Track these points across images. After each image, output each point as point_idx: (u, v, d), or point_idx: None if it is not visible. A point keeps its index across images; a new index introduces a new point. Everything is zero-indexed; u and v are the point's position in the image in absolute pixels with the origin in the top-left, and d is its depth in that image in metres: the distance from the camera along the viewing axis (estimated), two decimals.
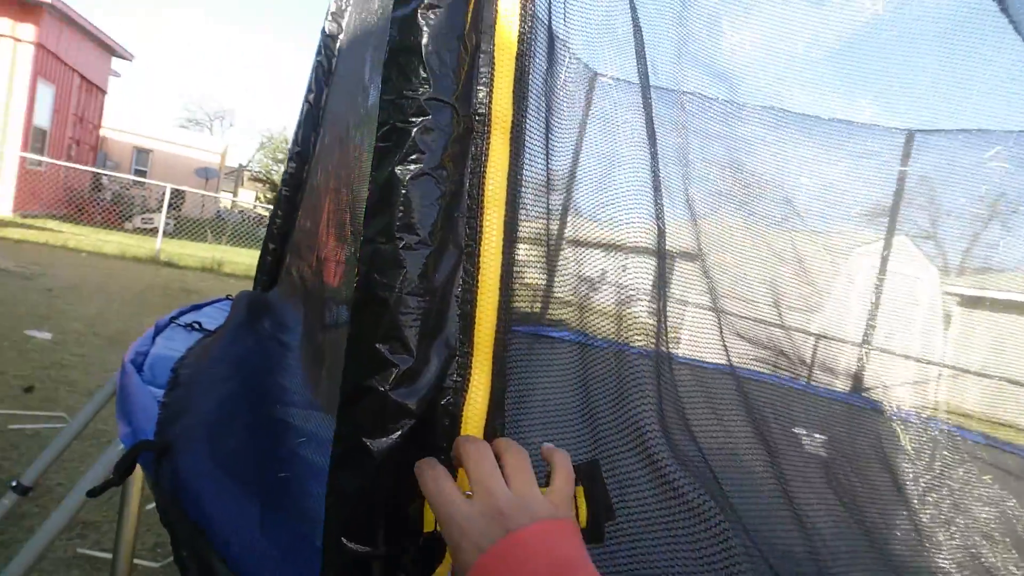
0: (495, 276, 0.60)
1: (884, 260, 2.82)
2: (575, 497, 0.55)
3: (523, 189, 1.22)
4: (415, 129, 0.55)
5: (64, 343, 4.51)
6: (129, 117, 20.68)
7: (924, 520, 1.47)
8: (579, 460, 0.58)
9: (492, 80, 0.60)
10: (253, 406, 1.17)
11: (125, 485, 1.10)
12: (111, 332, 5.01)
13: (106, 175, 14.39)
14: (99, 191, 14.52)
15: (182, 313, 1.89)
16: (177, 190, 12.65)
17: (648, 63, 0.87)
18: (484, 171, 0.60)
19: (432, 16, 0.55)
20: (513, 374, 0.74)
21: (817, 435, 1.94)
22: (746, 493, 1.14)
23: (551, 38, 0.75)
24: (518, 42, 0.61)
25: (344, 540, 0.55)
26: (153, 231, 12.26)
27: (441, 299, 0.57)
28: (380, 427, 0.54)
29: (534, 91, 0.81)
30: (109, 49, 15.41)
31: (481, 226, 0.60)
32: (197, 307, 2.05)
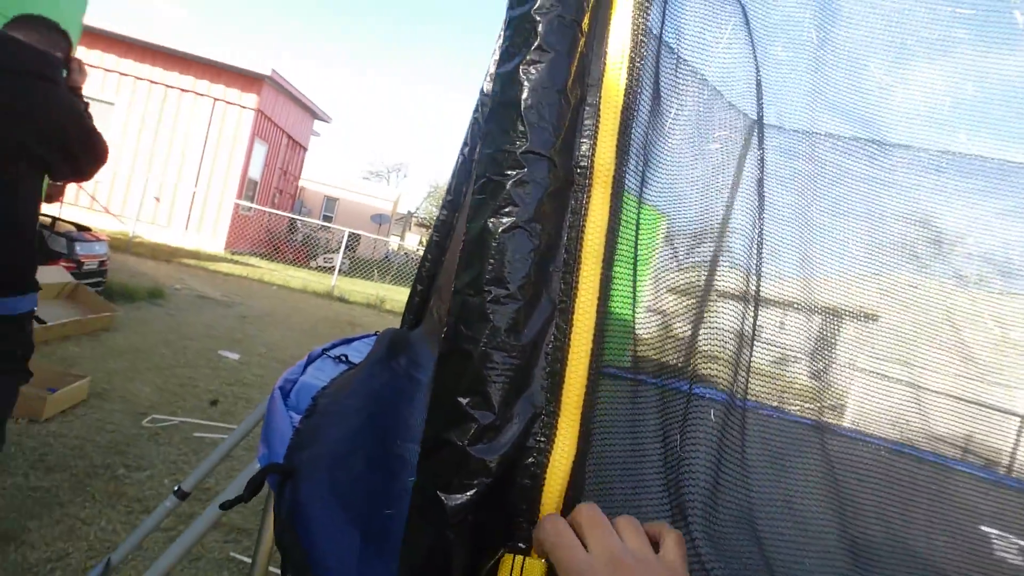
0: (588, 334, 0.57)
1: None
2: None
3: (674, 239, 1.19)
4: (510, 182, 0.55)
5: (248, 364, 5.13)
6: (323, 170, 23.67)
7: None
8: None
9: (596, 133, 0.59)
10: (377, 440, 1.22)
11: (268, 498, 1.20)
12: (286, 357, 5.62)
13: (300, 220, 16.47)
14: (293, 233, 16.65)
15: (334, 346, 2.06)
16: (354, 234, 14.09)
17: (780, 111, 0.80)
18: (583, 225, 0.58)
19: (533, 71, 0.55)
20: (604, 430, 0.70)
21: (1015, 539, 1.60)
22: None
23: (659, 86, 0.72)
24: (624, 94, 0.59)
25: None
26: (331, 269, 13.69)
27: (529, 355, 0.56)
28: (456, 482, 0.53)
29: (647, 138, 0.78)
30: (312, 112, 17.83)
31: (577, 282, 0.58)
32: (348, 341, 2.22)
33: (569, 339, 0.57)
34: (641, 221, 0.89)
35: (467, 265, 0.56)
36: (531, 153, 0.55)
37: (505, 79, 0.57)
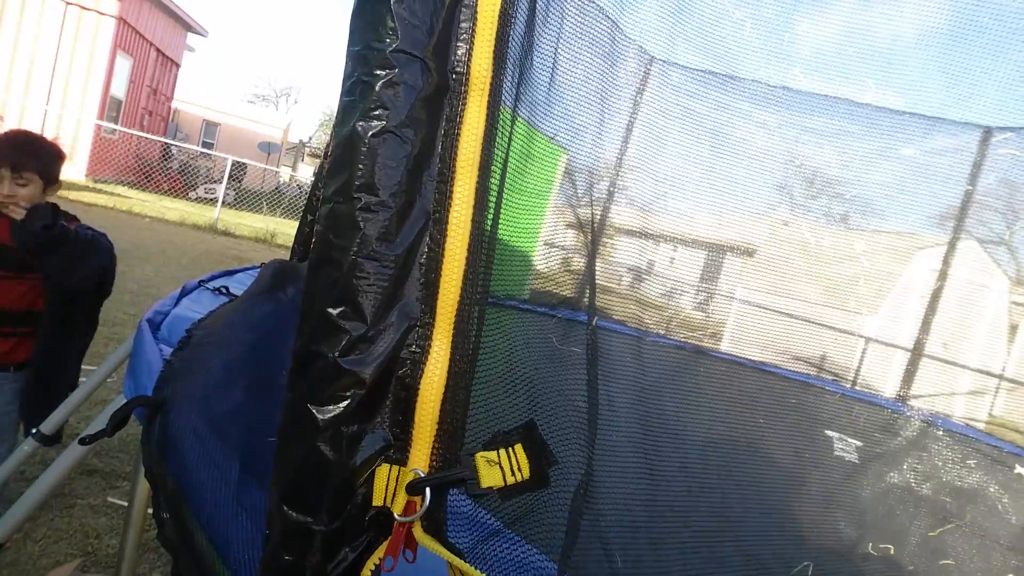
0: (463, 244, 0.57)
1: (946, 265, 2.63)
2: (515, 454, 0.54)
3: (573, 175, 1.19)
4: (379, 83, 0.52)
5: (119, 302, 4.73)
6: (201, 90, 21.52)
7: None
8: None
9: (473, 37, 0.56)
10: (259, 370, 1.18)
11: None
12: (161, 294, 5.22)
13: (175, 146, 15.03)
14: (168, 161, 15.20)
15: (213, 278, 1.93)
16: (239, 162, 13.10)
17: (675, 48, 0.80)
18: (459, 133, 0.56)
19: None
20: (494, 350, 0.71)
21: (851, 440, 1.85)
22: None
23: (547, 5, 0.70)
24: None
25: (286, 508, 0.53)
26: (214, 201, 12.73)
27: (403, 265, 0.54)
28: (328, 395, 0.52)
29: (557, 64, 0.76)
30: (185, 24, 15.99)
31: (452, 191, 0.56)
32: (229, 273, 2.09)
33: (443, 249, 0.56)
34: (542, 154, 0.88)
35: (336, 171, 0.53)
36: (402, 52, 0.52)
37: None
